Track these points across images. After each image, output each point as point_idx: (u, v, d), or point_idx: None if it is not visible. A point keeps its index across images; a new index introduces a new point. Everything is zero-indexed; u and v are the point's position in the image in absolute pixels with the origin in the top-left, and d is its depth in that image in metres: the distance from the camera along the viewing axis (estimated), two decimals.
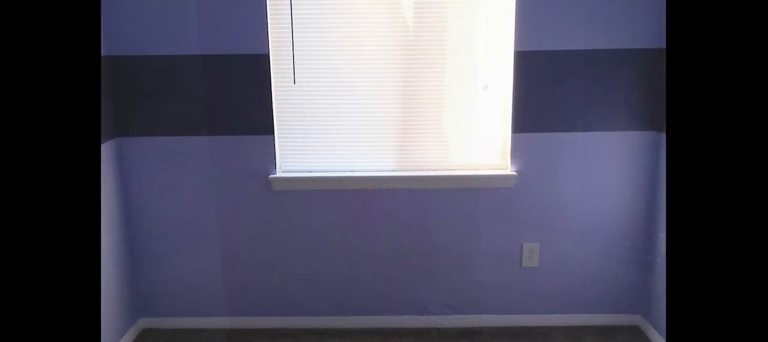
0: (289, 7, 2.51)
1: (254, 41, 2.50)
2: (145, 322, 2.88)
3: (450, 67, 2.59)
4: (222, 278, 2.81)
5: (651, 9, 2.46)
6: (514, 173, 2.63)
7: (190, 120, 2.60)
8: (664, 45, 2.48)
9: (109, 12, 2.47)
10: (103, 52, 2.48)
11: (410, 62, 2.58)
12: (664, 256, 2.58)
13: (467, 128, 2.65)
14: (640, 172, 2.64)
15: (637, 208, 2.68)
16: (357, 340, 2.78)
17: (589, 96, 2.55)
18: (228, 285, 2.82)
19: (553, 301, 2.82)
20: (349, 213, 2.71)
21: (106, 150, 2.53)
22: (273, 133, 2.62)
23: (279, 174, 2.67)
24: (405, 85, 2.61)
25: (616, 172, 2.64)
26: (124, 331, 2.74)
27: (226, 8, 2.47)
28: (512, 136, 2.61)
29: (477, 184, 2.66)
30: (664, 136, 2.55)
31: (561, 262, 2.76)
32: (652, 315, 2.73)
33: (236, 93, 2.56)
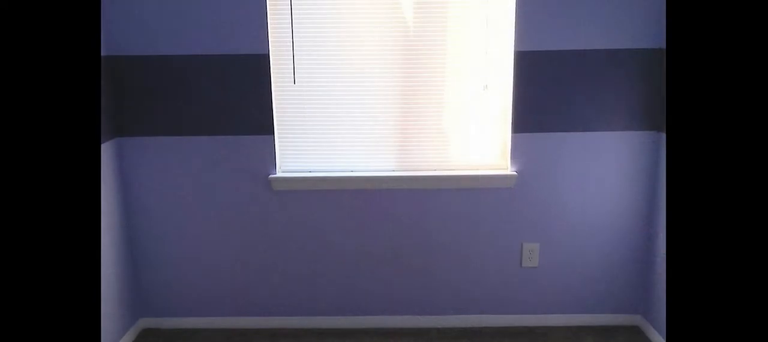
0: (289, 7, 2.51)
1: (254, 41, 2.50)
2: (145, 322, 2.88)
3: (450, 67, 2.59)
4: (222, 278, 2.81)
5: (651, 9, 2.46)
6: (514, 173, 2.63)
7: (190, 120, 2.60)
8: (664, 45, 2.48)
9: (109, 12, 2.47)
10: (103, 52, 2.48)
11: (410, 62, 2.58)
12: (664, 256, 2.58)
13: (467, 128, 2.65)
14: (640, 172, 2.64)
15: (637, 208, 2.68)
16: (357, 340, 2.77)
17: (589, 96, 2.55)
18: (228, 285, 2.82)
19: (553, 301, 2.82)
20: (349, 213, 2.71)
21: (106, 150, 2.53)
22: (273, 133, 2.62)
23: (279, 174, 2.67)
24: (405, 85, 2.61)
25: (616, 172, 2.64)
26: (124, 331, 2.74)
27: (226, 8, 2.47)
28: (512, 136, 2.61)
29: (477, 184, 2.66)
30: (664, 136, 2.55)
31: (561, 262, 2.76)
32: (652, 315, 2.73)
33: (236, 93, 2.56)
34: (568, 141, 2.60)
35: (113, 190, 2.60)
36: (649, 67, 2.51)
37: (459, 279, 2.80)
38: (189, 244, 2.76)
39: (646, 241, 2.72)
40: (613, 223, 2.70)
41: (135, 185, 2.69)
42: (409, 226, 2.72)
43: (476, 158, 2.68)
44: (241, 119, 2.59)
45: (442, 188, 2.67)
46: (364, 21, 2.55)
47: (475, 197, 2.68)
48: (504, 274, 2.79)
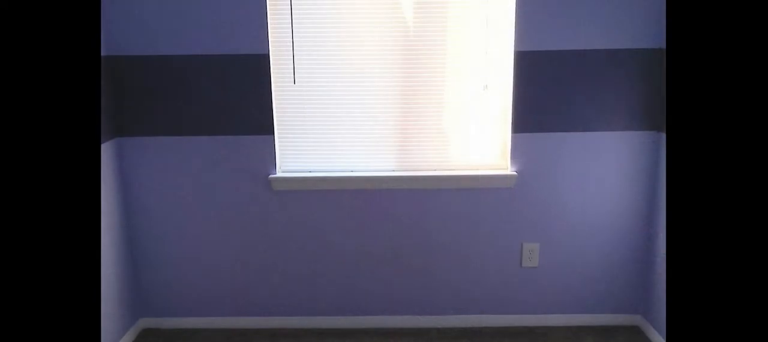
0: (289, 7, 2.51)
1: (254, 41, 2.50)
2: (145, 322, 2.88)
3: (450, 67, 2.59)
4: (222, 278, 2.81)
5: (651, 9, 2.46)
6: (514, 173, 2.63)
7: (190, 120, 2.60)
8: (664, 45, 2.48)
9: (109, 12, 2.47)
10: (103, 52, 2.48)
11: (410, 62, 2.58)
12: (664, 256, 2.58)
13: (467, 128, 2.65)
14: (640, 172, 2.64)
15: (637, 208, 2.68)
16: (357, 340, 2.78)
17: (589, 96, 2.55)
18: (228, 285, 2.82)
19: (553, 301, 2.82)
20: (349, 213, 2.71)
21: (106, 150, 2.53)
22: (273, 133, 2.62)
23: (279, 174, 2.67)
24: (405, 85, 2.61)
25: (616, 172, 2.64)
26: (124, 331, 2.74)
27: (226, 8, 2.47)
28: (512, 136, 2.61)
29: (477, 184, 2.66)
30: (664, 136, 2.55)
31: (561, 262, 2.76)
32: (652, 315, 2.73)
33: (236, 93, 2.56)
34: (568, 141, 2.60)
35: (113, 190, 2.60)
36: (649, 67, 2.51)
37: (459, 279, 2.80)
38: (189, 244, 2.76)
39: (646, 241, 2.72)
40: (613, 223, 2.70)
41: (135, 185, 2.69)
42: (409, 226, 2.72)
43: (476, 158, 2.68)
44: (241, 119, 2.59)
45: (442, 188, 2.67)
46: (364, 21, 2.55)
47: (475, 197, 2.68)
48: (504, 274, 2.79)
